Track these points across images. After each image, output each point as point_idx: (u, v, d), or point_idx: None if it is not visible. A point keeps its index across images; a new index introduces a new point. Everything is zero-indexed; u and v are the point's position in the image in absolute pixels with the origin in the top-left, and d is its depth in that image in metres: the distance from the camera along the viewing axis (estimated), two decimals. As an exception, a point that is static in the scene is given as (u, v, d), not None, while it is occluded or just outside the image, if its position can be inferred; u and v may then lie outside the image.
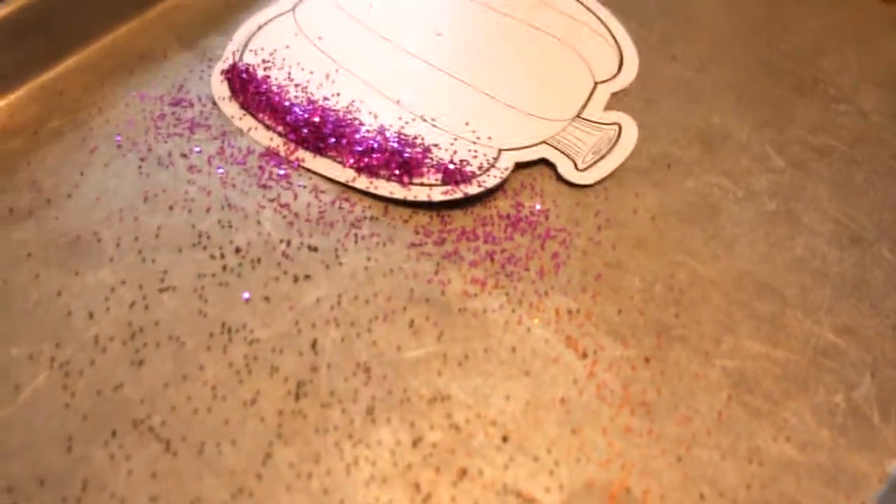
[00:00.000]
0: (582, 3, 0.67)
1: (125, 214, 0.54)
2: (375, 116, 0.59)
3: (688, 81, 0.62)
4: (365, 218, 0.54)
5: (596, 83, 0.62)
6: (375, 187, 0.55)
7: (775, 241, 0.54)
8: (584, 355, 0.49)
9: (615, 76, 0.62)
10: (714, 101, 0.61)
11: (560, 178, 0.56)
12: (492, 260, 0.53)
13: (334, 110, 0.59)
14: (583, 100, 0.61)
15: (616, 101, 0.61)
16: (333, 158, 0.57)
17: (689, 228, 0.54)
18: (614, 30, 0.66)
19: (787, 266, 0.53)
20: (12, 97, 0.61)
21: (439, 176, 0.55)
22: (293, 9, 0.66)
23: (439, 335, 0.49)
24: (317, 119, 0.58)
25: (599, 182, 0.56)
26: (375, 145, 0.57)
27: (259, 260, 0.52)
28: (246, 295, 0.50)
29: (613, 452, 0.45)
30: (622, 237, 0.54)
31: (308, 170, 0.56)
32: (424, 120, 0.59)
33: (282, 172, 0.56)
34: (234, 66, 0.62)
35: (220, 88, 0.61)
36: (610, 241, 0.54)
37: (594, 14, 0.67)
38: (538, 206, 0.55)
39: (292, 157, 0.57)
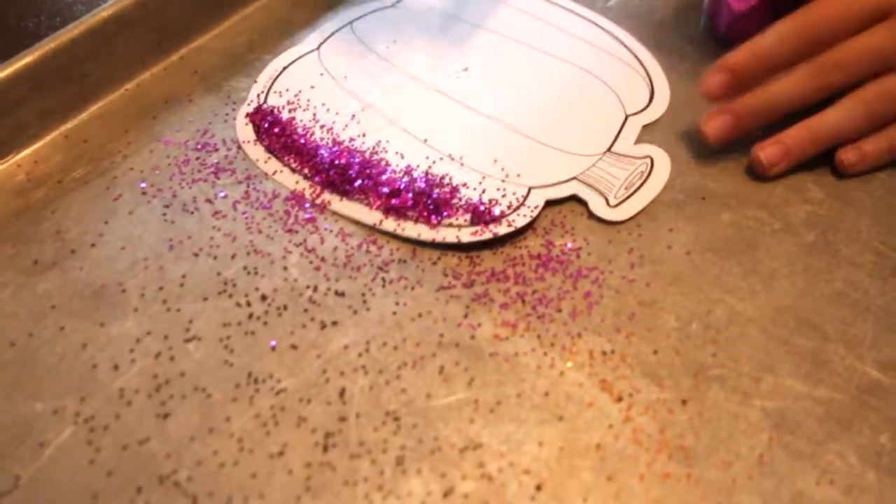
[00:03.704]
0: (609, 33, 0.66)
1: (150, 263, 0.54)
2: (402, 156, 0.58)
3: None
4: (393, 261, 0.53)
5: (627, 115, 0.61)
6: (403, 229, 0.54)
7: (814, 275, 0.52)
8: (620, 398, 0.47)
9: (646, 108, 0.61)
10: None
11: (591, 214, 0.55)
12: (523, 301, 0.51)
13: (360, 151, 0.58)
14: (613, 133, 0.59)
15: (647, 134, 0.60)
16: (360, 201, 0.56)
17: (726, 263, 0.53)
18: (644, 60, 0.64)
19: (828, 300, 0.51)
20: (36, 146, 0.60)
21: (468, 216, 0.54)
22: (318, 48, 0.66)
23: (470, 381, 0.48)
24: (343, 161, 0.57)
25: (632, 218, 0.55)
26: (402, 186, 0.56)
27: (285, 307, 0.51)
28: (272, 343, 0.50)
29: (651, 499, 0.44)
30: (657, 274, 0.53)
31: (334, 213, 0.56)
32: (452, 159, 0.58)
33: (308, 216, 0.56)
34: (258, 109, 0.61)
35: (244, 132, 0.60)
36: (644, 279, 0.52)
37: (623, 44, 0.66)
38: (569, 245, 0.54)
39: (318, 201, 0.56)
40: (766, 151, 0.56)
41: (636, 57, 0.65)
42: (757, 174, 0.57)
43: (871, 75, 0.54)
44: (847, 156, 0.56)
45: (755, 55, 0.55)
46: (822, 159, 0.57)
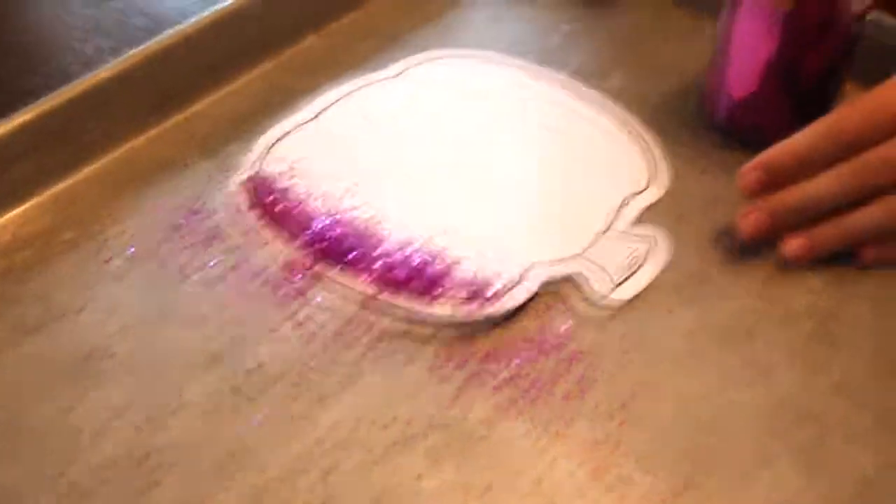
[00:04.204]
0: (611, 112, 0.66)
1: (138, 330, 0.53)
2: (399, 230, 0.57)
3: (719, 195, 0.60)
4: (385, 336, 0.52)
5: (627, 195, 0.60)
6: (397, 304, 0.53)
7: (814, 365, 0.51)
8: (612, 488, 0.46)
9: (646, 188, 0.61)
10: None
11: (588, 295, 0.54)
12: (515, 384, 0.50)
13: (356, 223, 0.57)
14: (613, 212, 0.59)
15: (647, 214, 0.59)
16: (354, 273, 0.55)
17: (724, 351, 0.52)
18: (646, 140, 0.64)
19: (827, 391, 0.50)
20: (25, 206, 0.59)
21: (463, 293, 0.53)
22: (316, 117, 0.65)
23: (460, 464, 0.47)
24: (338, 232, 0.56)
25: (630, 300, 0.54)
26: (398, 260, 0.55)
27: (274, 381, 0.50)
28: (259, 418, 0.48)
29: None
30: (653, 360, 0.52)
31: (327, 285, 0.55)
32: (449, 233, 0.57)
33: (300, 288, 0.55)
34: (253, 177, 0.60)
35: (238, 199, 0.59)
36: (640, 364, 0.51)
37: (623, 122, 0.65)
38: (565, 326, 0.53)
39: (311, 272, 0.55)
40: (793, 245, 0.55)
41: (637, 136, 0.64)
42: (755, 260, 0.56)
43: None
44: (869, 254, 0.55)
45: (792, 153, 0.54)
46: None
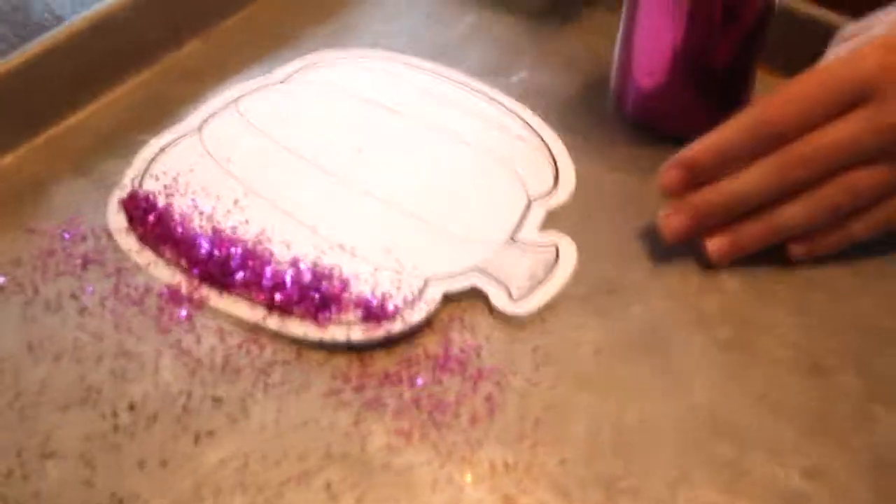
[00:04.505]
0: (512, 112, 0.63)
1: (5, 367, 0.49)
2: (288, 246, 0.54)
3: (629, 193, 0.58)
4: (276, 363, 0.49)
5: (530, 200, 0.57)
6: (287, 327, 0.50)
7: (731, 373, 0.49)
8: (524, 517, 0.43)
9: (551, 191, 0.58)
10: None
11: (493, 309, 0.51)
12: (418, 407, 0.47)
13: (242, 241, 0.54)
14: (516, 219, 0.56)
15: (552, 220, 0.56)
16: (241, 295, 0.51)
17: (637, 362, 0.49)
18: (548, 140, 0.61)
19: (746, 401, 0.48)
20: None
21: (359, 312, 0.50)
22: (199, 127, 0.61)
23: (359, 498, 0.44)
24: (223, 251, 0.53)
25: (537, 313, 0.51)
26: (288, 279, 0.51)
27: (155, 416, 0.47)
28: (140, 459, 0.45)
29: None
30: (563, 375, 0.49)
31: (213, 309, 0.51)
32: (342, 248, 0.54)
33: (183, 313, 0.51)
34: (132, 194, 0.57)
35: (116, 219, 0.56)
36: (550, 381, 0.49)
37: (526, 123, 0.62)
38: (469, 343, 0.50)
39: (195, 296, 0.51)
40: (717, 244, 0.53)
41: (540, 137, 0.61)
42: (667, 263, 0.54)
43: (839, 169, 0.50)
44: (798, 249, 0.53)
45: (714, 150, 0.51)
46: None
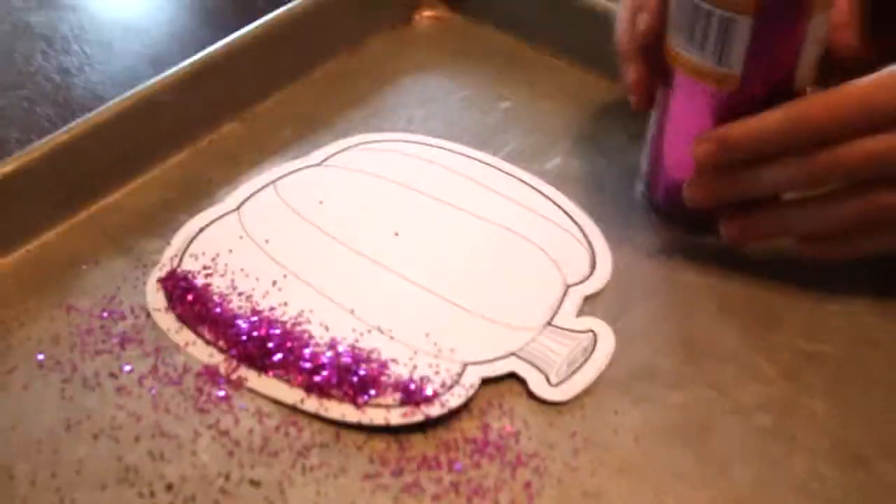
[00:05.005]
0: (548, 198, 0.63)
1: (44, 446, 0.49)
2: (327, 328, 0.54)
3: (665, 281, 0.58)
4: (314, 445, 0.49)
5: (567, 286, 0.57)
6: (326, 409, 0.50)
7: (771, 462, 0.48)
8: None
9: (587, 278, 0.58)
10: (696, 303, 0.56)
11: (531, 394, 0.51)
12: (457, 492, 0.47)
13: (281, 322, 0.54)
14: (553, 305, 0.56)
15: (590, 306, 0.56)
16: (280, 377, 0.51)
17: (676, 449, 0.49)
18: (584, 226, 0.61)
19: (785, 490, 0.47)
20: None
21: (397, 395, 0.50)
22: (238, 208, 0.62)
23: (399, 585, 0.43)
24: (262, 332, 0.53)
25: (575, 398, 0.51)
26: (326, 361, 0.51)
27: (193, 498, 0.46)
28: (177, 541, 0.44)
29: None
30: (602, 462, 0.48)
31: (251, 390, 0.51)
32: (381, 331, 0.54)
33: (221, 394, 0.51)
34: (171, 274, 0.57)
35: (155, 298, 0.56)
36: (589, 467, 0.48)
37: (561, 209, 0.62)
38: (508, 428, 0.50)
39: (234, 376, 0.51)
40: (730, 227, 0.55)
41: (576, 223, 0.61)
42: (704, 349, 0.54)
43: (865, 183, 0.51)
44: (807, 252, 0.55)
45: (751, 134, 0.52)
46: (774, 334, 0.54)
